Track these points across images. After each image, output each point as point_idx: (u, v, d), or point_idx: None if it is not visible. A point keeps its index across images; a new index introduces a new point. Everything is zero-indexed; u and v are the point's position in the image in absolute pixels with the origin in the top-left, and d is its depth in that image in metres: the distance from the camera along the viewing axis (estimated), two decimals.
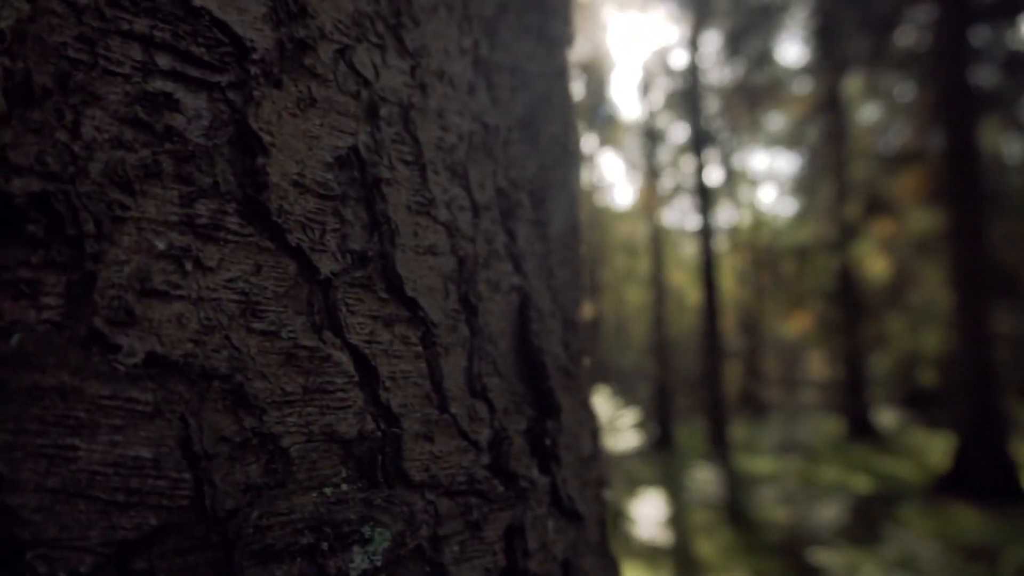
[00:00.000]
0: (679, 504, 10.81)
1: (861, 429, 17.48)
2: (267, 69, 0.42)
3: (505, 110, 0.70)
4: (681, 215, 27.72)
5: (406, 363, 0.49)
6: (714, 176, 27.50)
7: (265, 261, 0.41)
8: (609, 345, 27.83)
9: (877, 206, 16.96)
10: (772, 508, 9.38)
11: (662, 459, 15.09)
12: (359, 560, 0.41)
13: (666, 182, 29.12)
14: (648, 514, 8.53)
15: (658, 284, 16.90)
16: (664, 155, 28.89)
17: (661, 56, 17.75)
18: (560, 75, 0.90)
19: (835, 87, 17.62)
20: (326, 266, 0.44)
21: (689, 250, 26.99)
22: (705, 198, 14.68)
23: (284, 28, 0.44)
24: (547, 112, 0.82)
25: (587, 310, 1.10)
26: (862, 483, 12.32)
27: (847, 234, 17.29)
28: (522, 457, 0.59)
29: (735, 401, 24.80)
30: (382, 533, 0.42)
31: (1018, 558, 7.31)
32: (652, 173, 17.70)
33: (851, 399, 17.72)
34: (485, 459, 0.55)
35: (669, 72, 17.46)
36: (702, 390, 15.85)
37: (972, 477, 10.65)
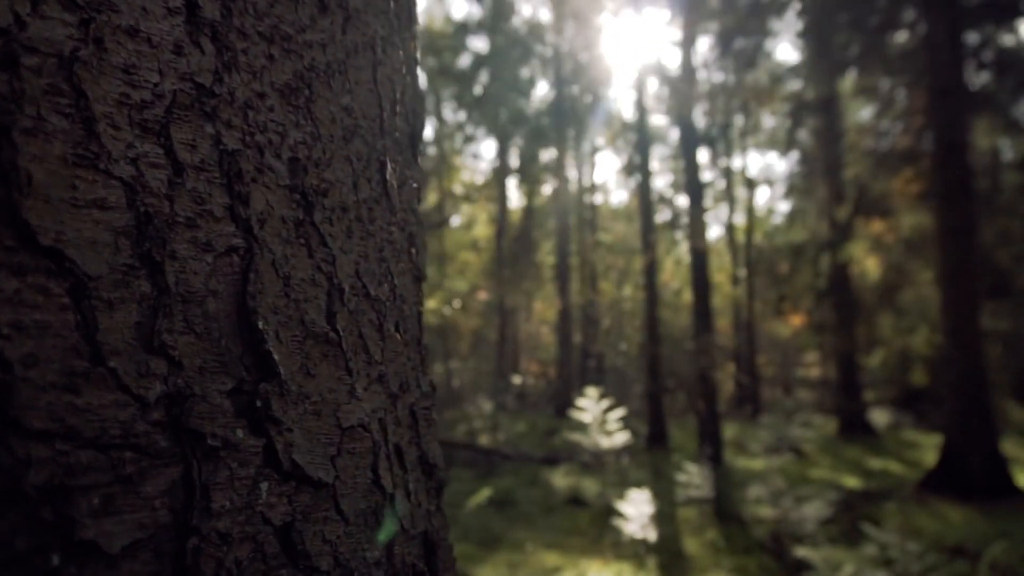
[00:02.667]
0: (668, 502, 10.81)
1: (854, 428, 17.45)
2: None
3: (254, 75, 0.70)
4: (676, 214, 27.70)
5: (43, 313, 0.49)
6: (708, 176, 27.49)
7: None
8: (606, 344, 27.80)
9: (870, 206, 16.92)
10: (760, 506, 9.36)
11: (655, 457, 15.09)
12: None
13: (661, 181, 29.09)
14: (636, 511, 8.55)
15: (651, 283, 16.88)
16: (659, 154, 28.86)
17: (655, 55, 17.75)
18: (367, 48, 0.90)
19: (829, 87, 17.58)
20: None
21: (685, 249, 26.95)
22: (698, 197, 14.67)
23: None
24: (333, 84, 0.82)
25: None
26: (852, 481, 12.31)
27: (841, 234, 17.26)
28: (216, 416, 0.59)
29: (729, 400, 24.77)
30: None
31: (999, 555, 7.29)
32: (646, 172, 17.69)
33: (844, 398, 17.69)
34: (156, 415, 0.54)
35: (663, 72, 17.45)
36: (696, 389, 15.83)
37: (960, 475, 10.63)
